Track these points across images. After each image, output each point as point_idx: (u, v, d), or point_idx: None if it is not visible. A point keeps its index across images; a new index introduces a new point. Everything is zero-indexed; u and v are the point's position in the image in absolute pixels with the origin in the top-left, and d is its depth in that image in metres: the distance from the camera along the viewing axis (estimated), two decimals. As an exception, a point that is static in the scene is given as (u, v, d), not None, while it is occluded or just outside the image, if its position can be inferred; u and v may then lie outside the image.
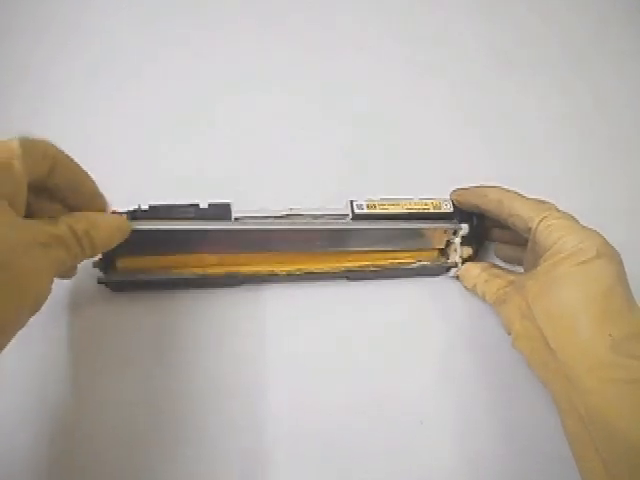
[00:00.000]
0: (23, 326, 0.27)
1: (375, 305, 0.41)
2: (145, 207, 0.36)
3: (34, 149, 0.28)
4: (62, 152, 0.30)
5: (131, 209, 0.36)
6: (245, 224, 0.36)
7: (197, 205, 0.36)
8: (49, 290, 0.28)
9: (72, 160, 0.31)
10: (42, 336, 0.36)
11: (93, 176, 0.33)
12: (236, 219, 0.36)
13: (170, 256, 0.37)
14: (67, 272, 0.33)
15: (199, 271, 0.38)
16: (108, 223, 0.32)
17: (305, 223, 0.37)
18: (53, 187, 0.30)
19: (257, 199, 0.41)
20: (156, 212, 0.36)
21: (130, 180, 0.41)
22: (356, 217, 0.38)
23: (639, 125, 0.54)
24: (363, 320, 0.40)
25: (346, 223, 0.38)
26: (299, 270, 0.39)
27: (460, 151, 0.49)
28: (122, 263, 0.37)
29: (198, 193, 0.39)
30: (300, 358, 0.38)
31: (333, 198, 0.40)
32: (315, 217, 0.38)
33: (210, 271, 0.38)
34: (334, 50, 0.52)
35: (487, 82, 0.54)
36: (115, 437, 0.34)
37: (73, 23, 0.49)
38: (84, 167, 0.32)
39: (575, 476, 0.36)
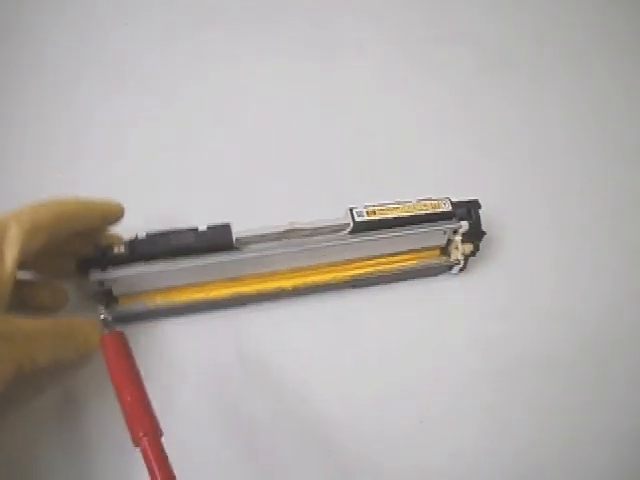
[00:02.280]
0: None
1: (381, 309, 0.41)
2: (142, 235, 0.35)
3: (28, 237, 0.28)
4: (55, 210, 0.30)
5: (128, 239, 0.35)
6: (246, 251, 0.36)
7: (196, 229, 0.36)
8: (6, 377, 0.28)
9: (65, 205, 0.31)
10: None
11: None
12: (237, 239, 0.36)
13: (173, 288, 0.36)
14: None
15: (203, 295, 0.37)
16: (93, 328, 0.32)
17: (307, 241, 0.37)
18: (66, 236, 0.31)
19: (257, 209, 0.42)
20: (154, 240, 0.35)
21: (130, 197, 0.41)
22: (357, 225, 0.38)
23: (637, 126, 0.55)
24: (370, 325, 0.40)
25: (347, 237, 0.38)
26: (305, 284, 0.38)
27: (456, 151, 0.49)
28: (124, 300, 0.36)
29: (198, 206, 0.40)
30: (310, 369, 0.38)
31: (332, 203, 0.40)
32: (316, 230, 0.37)
33: (214, 294, 0.37)
34: (332, 55, 0.53)
35: (485, 83, 0.54)
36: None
37: (75, 34, 0.50)
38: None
39: (572, 475, 0.37)
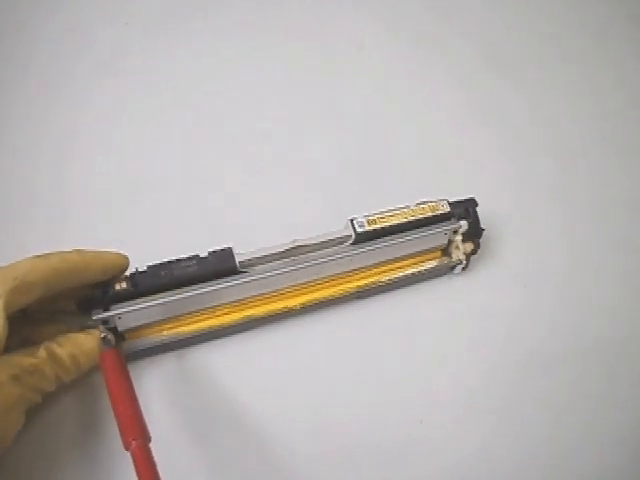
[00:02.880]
0: None
1: (387, 317, 0.40)
2: (143, 268, 0.34)
3: (11, 295, 0.28)
4: (54, 266, 0.30)
5: (128, 274, 0.34)
6: (251, 274, 0.35)
7: (197, 256, 0.35)
8: (19, 423, 0.29)
9: (66, 261, 0.30)
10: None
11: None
12: (240, 263, 0.35)
13: (179, 319, 0.36)
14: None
15: (212, 323, 0.36)
16: (92, 342, 0.32)
17: (311, 257, 0.36)
18: (63, 290, 0.31)
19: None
20: (156, 272, 0.34)
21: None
22: (359, 236, 0.37)
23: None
24: (377, 334, 0.40)
25: (350, 249, 0.37)
26: (313, 300, 0.38)
27: (457, 149, 0.50)
28: (130, 335, 0.35)
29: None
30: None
31: (331, 207, 0.41)
32: (319, 245, 0.37)
33: (223, 321, 0.36)
34: (332, 56, 0.53)
35: (482, 84, 0.54)
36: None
37: (69, 33, 0.51)
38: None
39: (573, 477, 0.37)
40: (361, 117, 0.50)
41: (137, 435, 0.28)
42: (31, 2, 0.52)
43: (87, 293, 0.33)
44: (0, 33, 0.50)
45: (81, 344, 0.32)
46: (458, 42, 0.56)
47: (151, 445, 0.29)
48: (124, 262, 0.34)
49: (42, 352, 0.30)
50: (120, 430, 0.29)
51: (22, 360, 0.29)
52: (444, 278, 0.43)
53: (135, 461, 0.27)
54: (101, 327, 0.33)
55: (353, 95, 0.51)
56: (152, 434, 0.29)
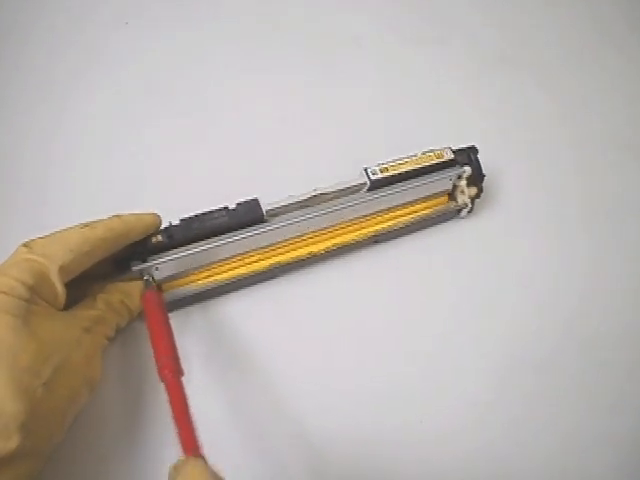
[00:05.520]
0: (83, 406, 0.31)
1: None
2: (176, 222, 0.36)
3: (69, 266, 0.30)
4: (103, 235, 0.32)
5: (162, 227, 0.36)
6: (276, 222, 0.37)
7: (226, 208, 0.37)
8: (101, 369, 0.32)
9: (112, 230, 0.33)
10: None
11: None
12: (267, 212, 0.37)
13: (212, 268, 0.38)
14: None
15: (242, 271, 0.38)
16: (137, 288, 0.35)
17: (330, 205, 0.39)
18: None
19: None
20: (189, 224, 0.36)
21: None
22: (373, 183, 0.40)
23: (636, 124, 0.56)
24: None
25: (366, 195, 0.40)
26: (335, 245, 0.40)
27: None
28: (167, 287, 0.37)
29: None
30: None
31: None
32: (338, 193, 0.39)
33: (253, 268, 0.38)
34: (332, 53, 0.55)
35: (485, 81, 0.56)
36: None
37: (69, 30, 0.52)
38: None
39: (575, 475, 0.37)
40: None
41: (171, 368, 0.30)
42: (31, 2, 0.53)
43: (123, 252, 0.35)
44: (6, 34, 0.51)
45: (128, 290, 0.34)
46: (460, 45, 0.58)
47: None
48: (158, 221, 0.36)
49: (100, 303, 0.33)
50: (156, 363, 0.30)
51: (87, 313, 0.32)
52: (452, 222, 0.45)
53: (168, 392, 0.29)
54: (145, 274, 0.35)
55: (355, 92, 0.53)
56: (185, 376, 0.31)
